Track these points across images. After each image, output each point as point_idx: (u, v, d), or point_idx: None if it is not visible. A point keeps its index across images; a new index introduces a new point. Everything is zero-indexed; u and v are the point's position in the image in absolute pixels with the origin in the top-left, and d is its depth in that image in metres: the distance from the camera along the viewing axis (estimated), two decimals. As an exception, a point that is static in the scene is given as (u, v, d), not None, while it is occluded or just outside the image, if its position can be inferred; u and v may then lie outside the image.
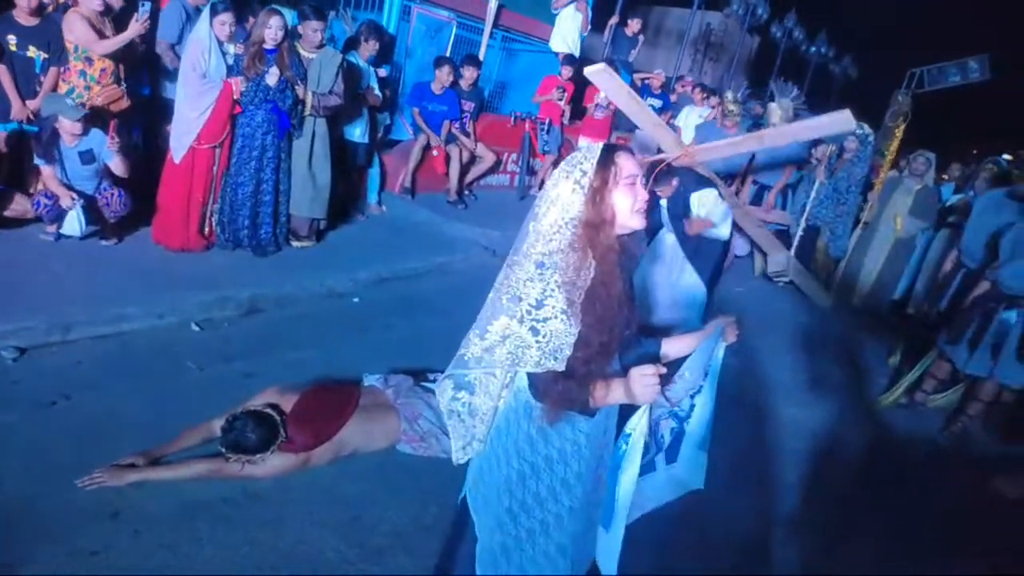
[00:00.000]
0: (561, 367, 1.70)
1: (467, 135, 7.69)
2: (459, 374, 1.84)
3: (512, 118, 8.66)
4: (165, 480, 2.74)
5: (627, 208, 1.75)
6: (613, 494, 1.81)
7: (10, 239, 4.49)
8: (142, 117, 5.28)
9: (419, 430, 3.23)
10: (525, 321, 1.69)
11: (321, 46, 5.33)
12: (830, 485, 3.91)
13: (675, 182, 4.18)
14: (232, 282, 4.63)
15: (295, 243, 5.58)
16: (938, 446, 4.75)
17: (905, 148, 8.32)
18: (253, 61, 4.83)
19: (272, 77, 4.86)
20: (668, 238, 4.35)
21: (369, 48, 6.19)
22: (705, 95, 9.77)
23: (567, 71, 8.59)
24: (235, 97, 4.84)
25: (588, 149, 1.78)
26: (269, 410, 2.93)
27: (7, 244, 4.42)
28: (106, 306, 3.93)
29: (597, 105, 8.79)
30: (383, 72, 6.58)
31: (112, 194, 4.64)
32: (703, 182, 4.36)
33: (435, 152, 7.49)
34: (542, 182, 8.07)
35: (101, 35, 4.62)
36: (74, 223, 4.56)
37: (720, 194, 4.36)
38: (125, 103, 4.88)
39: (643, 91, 9.27)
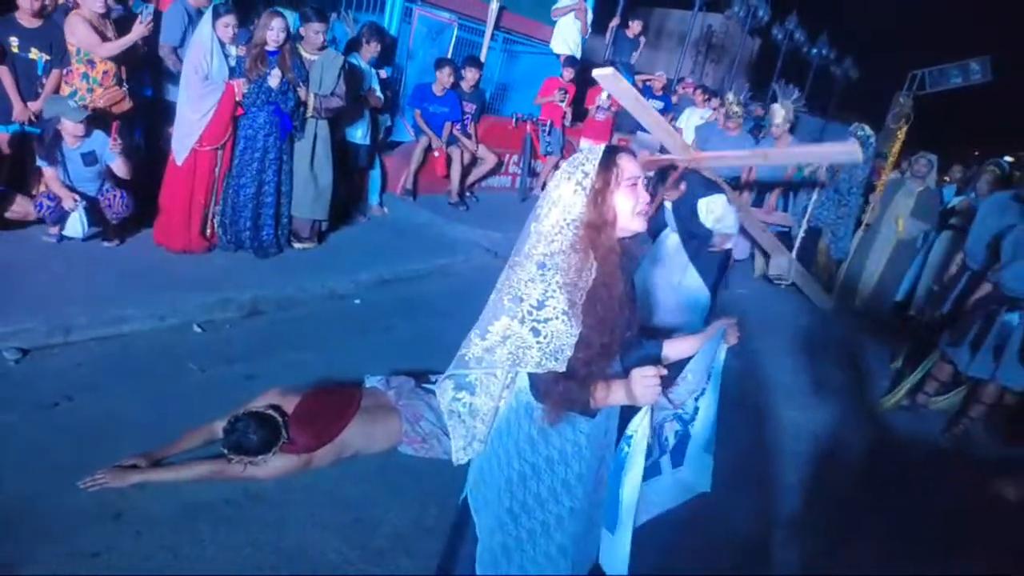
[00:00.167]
0: (562, 368, 1.70)
1: (468, 137, 7.69)
2: (460, 374, 1.84)
3: (513, 120, 8.67)
4: (167, 481, 2.74)
5: (628, 210, 1.76)
6: (617, 496, 1.81)
7: (12, 240, 4.50)
8: (144, 119, 5.28)
9: (420, 432, 3.23)
10: (526, 322, 1.69)
11: (323, 48, 5.34)
12: (831, 487, 3.91)
13: (683, 186, 4.17)
14: (234, 284, 4.63)
15: (296, 245, 5.58)
16: (939, 448, 4.75)
17: (907, 150, 8.31)
18: (255, 63, 4.84)
19: (274, 79, 4.87)
20: (671, 240, 4.34)
21: (371, 50, 6.19)
22: (706, 97, 9.78)
23: (568, 73, 8.60)
24: (237, 99, 4.85)
25: (590, 150, 1.79)
26: (271, 411, 2.93)
27: (9, 245, 4.43)
28: (108, 307, 3.93)
29: (598, 107, 8.80)
30: (384, 73, 6.59)
31: (114, 196, 4.65)
32: (711, 187, 4.34)
33: (436, 154, 7.49)
34: (544, 184, 8.07)
35: (103, 37, 4.63)
36: (76, 225, 4.57)
37: (728, 199, 4.34)
38: (127, 105, 4.89)
39: (645, 93, 9.26)
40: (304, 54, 5.24)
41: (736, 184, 7.41)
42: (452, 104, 7.33)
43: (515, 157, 8.92)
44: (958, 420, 4.89)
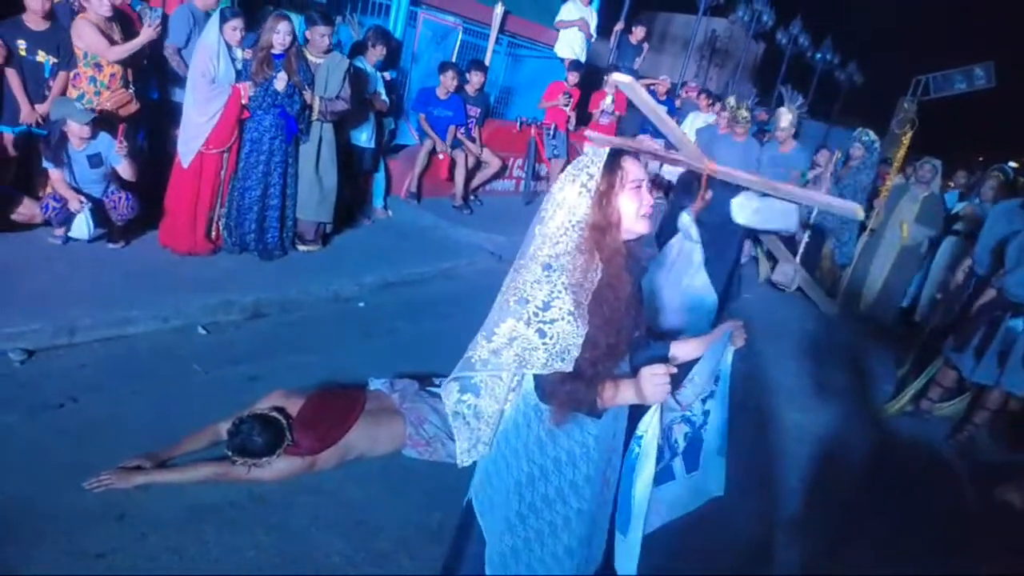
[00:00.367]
0: (568, 368, 1.70)
1: (473, 140, 7.71)
2: (465, 376, 1.84)
3: (518, 123, 8.69)
4: (172, 483, 2.75)
5: (633, 212, 1.77)
6: (629, 498, 1.82)
7: (18, 242, 4.51)
8: (150, 121, 5.30)
9: (425, 434, 3.23)
10: (532, 323, 1.69)
11: (328, 51, 5.36)
12: (835, 491, 3.91)
13: (708, 195, 4.11)
14: (238, 286, 4.64)
15: (301, 247, 5.59)
16: (943, 454, 4.73)
17: (911, 155, 8.31)
18: (261, 66, 4.86)
19: (280, 82, 4.88)
20: (681, 245, 4.30)
21: (376, 53, 6.21)
22: (711, 101, 9.79)
23: (573, 77, 8.61)
24: (243, 102, 4.86)
25: (595, 153, 1.80)
26: (275, 414, 2.94)
27: (15, 247, 4.44)
28: (113, 309, 3.94)
29: (602, 111, 8.81)
30: (388, 76, 6.60)
31: (120, 198, 4.66)
32: (727, 185, 4.30)
33: (441, 157, 7.51)
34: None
35: (110, 40, 4.64)
36: (82, 226, 4.58)
37: (756, 193, 4.28)
38: (134, 107, 4.91)
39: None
40: (310, 57, 5.26)
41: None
42: (456, 108, 7.34)
43: (519, 161, 8.93)
44: (962, 426, 4.87)
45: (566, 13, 9.38)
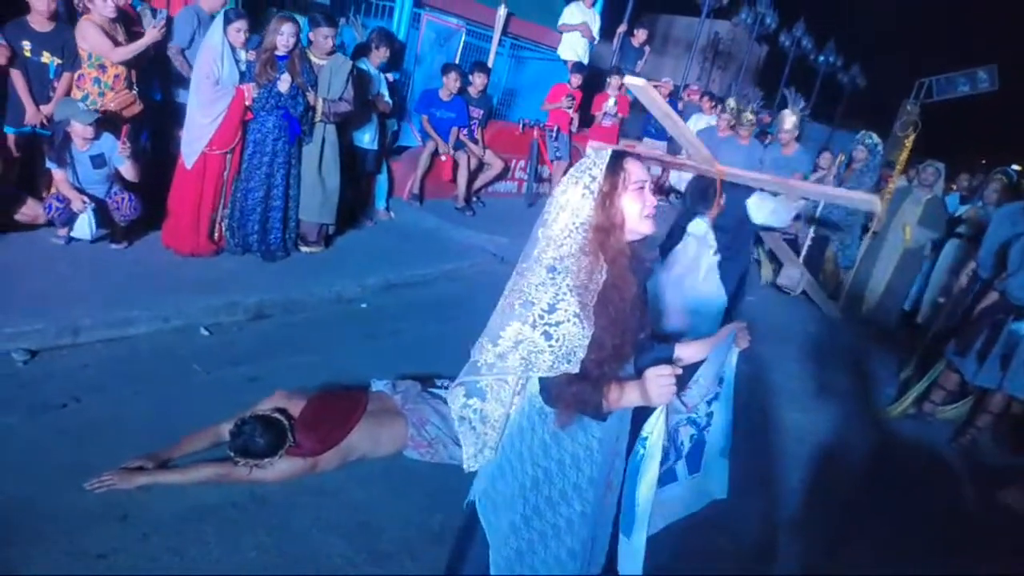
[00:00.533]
0: (575, 369, 1.70)
1: (475, 142, 7.71)
2: (471, 381, 1.84)
3: (520, 125, 8.69)
4: (174, 483, 2.75)
5: (636, 213, 1.77)
6: (633, 499, 1.81)
7: (21, 242, 4.52)
8: (153, 122, 5.31)
9: (427, 436, 3.23)
10: (538, 326, 1.69)
11: (331, 53, 5.36)
12: (836, 492, 3.91)
13: (722, 201, 4.08)
14: (240, 287, 4.64)
15: (304, 248, 5.60)
16: (946, 456, 4.73)
17: (914, 158, 8.30)
18: (265, 68, 4.87)
19: (284, 83, 4.89)
20: (689, 249, 4.25)
21: (380, 55, 6.22)
22: (713, 103, 9.79)
23: (576, 79, 8.61)
24: (247, 103, 4.87)
25: (597, 155, 1.80)
26: (277, 415, 2.94)
27: (18, 247, 4.45)
28: (115, 309, 3.95)
29: (605, 113, 8.82)
30: (391, 78, 6.61)
31: (123, 198, 4.67)
32: (748, 188, 4.28)
33: (443, 159, 7.51)
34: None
35: (114, 42, 4.66)
36: (85, 226, 4.59)
37: (770, 192, 4.26)
38: (138, 108, 4.92)
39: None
40: (313, 59, 5.27)
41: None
42: (459, 109, 7.35)
43: (522, 162, 8.93)
44: (965, 430, 4.87)
45: (569, 16, 9.40)
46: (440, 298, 5.55)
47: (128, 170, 4.70)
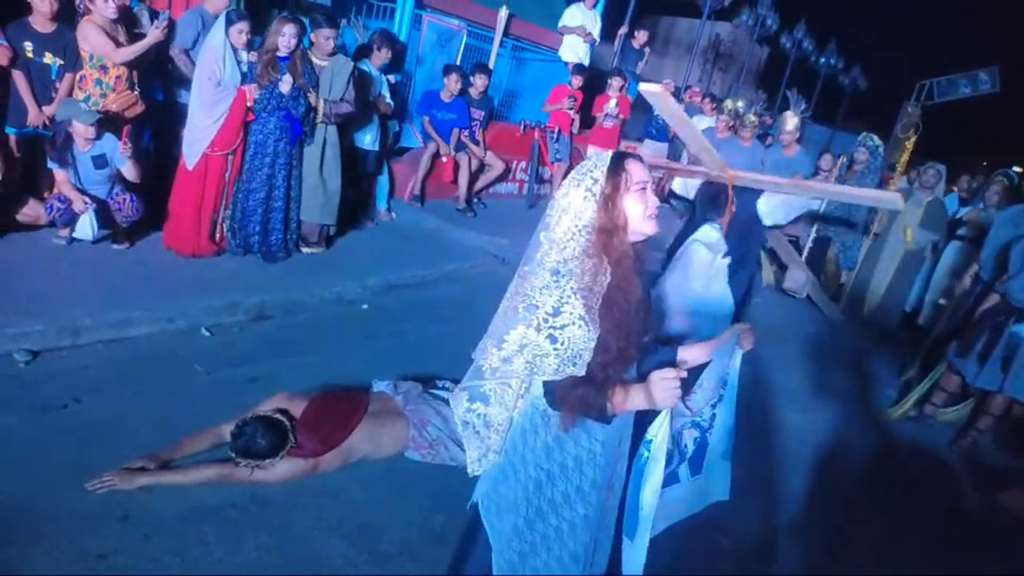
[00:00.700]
0: (581, 372, 1.70)
1: (476, 143, 7.72)
2: (474, 385, 1.83)
3: (521, 126, 8.69)
4: (175, 484, 2.75)
5: (639, 213, 1.77)
6: (637, 503, 1.81)
7: (23, 242, 4.53)
8: (155, 122, 5.32)
9: (428, 437, 3.23)
10: (543, 329, 1.69)
11: (332, 54, 5.37)
12: (836, 493, 3.91)
13: (733, 208, 4.06)
14: (242, 288, 4.65)
15: (305, 249, 5.60)
16: (947, 458, 4.72)
17: (915, 160, 8.30)
18: (266, 69, 4.87)
19: (285, 85, 4.89)
20: (698, 252, 4.22)
21: (381, 56, 6.23)
22: (714, 105, 9.79)
23: (577, 80, 8.62)
24: (248, 104, 4.87)
25: (598, 157, 1.80)
26: (279, 416, 2.94)
27: (20, 247, 4.46)
28: (116, 310, 3.95)
29: (606, 114, 8.82)
30: (392, 79, 6.62)
31: (124, 199, 4.68)
32: (756, 190, 4.25)
33: (444, 160, 7.52)
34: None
35: (116, 43, 4.66)
36: (86, 227, 4.60)
37: (771, 192, 4.23)
38: (140, 108, 4.92)
39: (652, 101, 9.28)
40: (314, 60, 5.27)
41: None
42: (460, 111, 7.36)
43: (523, 164, 8.94)
44: (966, 432, 4.86)
45: (569, 18, 9.41)
46: (441, 299, 5.55)
47: (130, 171, 4.71)
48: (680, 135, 4.49)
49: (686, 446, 2.15)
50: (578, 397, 1.71)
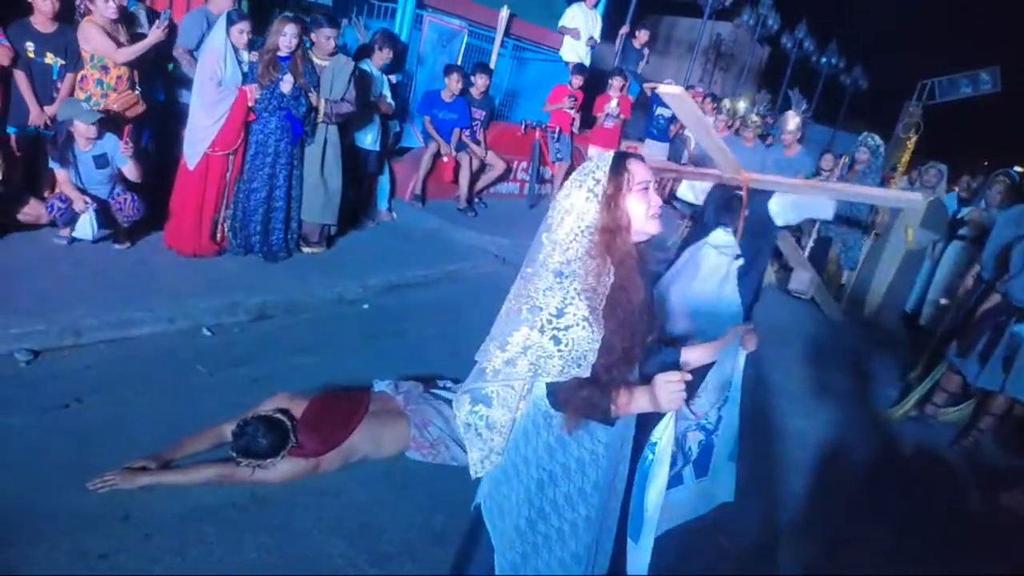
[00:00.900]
0: (585, 374, 1.69)
1: (477, 143, 7.72)
2: (477, 388, 1.82)
3: (522, 126, 8.70)
4: (176, 484, 2.75)
5: (642, 213, 1.77)
6: (642, 504, 1.81)
7: (24, 242, 4.53)
8: (154, 122, 5.32)
9: (429, 437, 3.23)
10: (546, 331, 1.68)
11: (334, 53, 5.37)
12: (838, 493, 3.90)
13: (745, 213, 4.04)
14: (243, 287, 4.65)
15: (306, 249, 5.60)
16: (948, 458, 4.72)
17: (916, 159, 8.29)
18: (267, 69, 4.87)
19: (286, 84, 4.89)
20: (707, 255, 4.16)
21: (383, 56, 6.23)
22: (715, 106, 9.79)
23: (577, 80, 8.62)
24: (250, 104, 4.88)
25: (600, 157, 1.80)
26: (280, 416, 2.94)
27: (21, 247, 4.46)
28: (117, 310, 3.95)
29: (607, 114, 8.82)
30: (394, 80, 6.62)
31: (125, 199, 4.68)
32: (766, 192, 4.23)
33: (445, 160, 7.52)
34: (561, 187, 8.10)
35: (117, 43, 4.66)
36: (87, 226, 4.60)
37: (783, 192, 4.21)
38: (141, 108, 4.93)
39: (653, 100, 9.30)
40: (315, 60, 5.27)
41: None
42: (461, 110, 7.36)
43: (524, 164, 8.94)
44: (968, 432, 4.86)
45: (570, 18, 9.41)
46: (442, 299, 5.55)
47: (131, 170, 4.71)
48: (696, 137, 4.47)
49: (690, 448, 2.14)
50: (582, 399, 1.71)
